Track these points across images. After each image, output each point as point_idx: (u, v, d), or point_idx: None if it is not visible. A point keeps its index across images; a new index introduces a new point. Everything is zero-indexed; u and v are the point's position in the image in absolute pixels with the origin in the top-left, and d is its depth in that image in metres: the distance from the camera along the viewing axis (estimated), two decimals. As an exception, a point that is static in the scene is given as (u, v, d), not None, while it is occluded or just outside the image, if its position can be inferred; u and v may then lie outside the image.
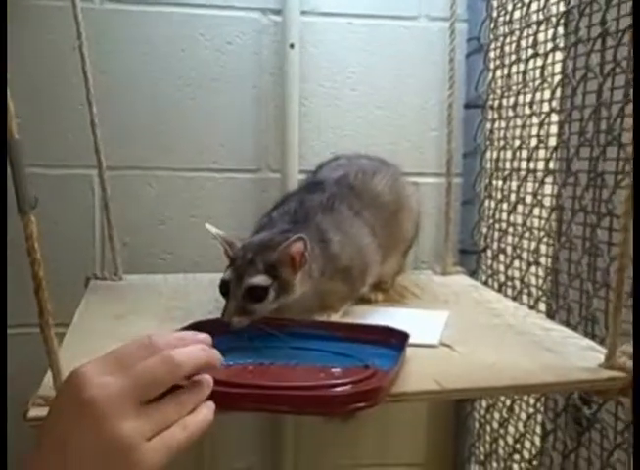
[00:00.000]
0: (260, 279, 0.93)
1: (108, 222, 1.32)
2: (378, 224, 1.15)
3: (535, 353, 0.93)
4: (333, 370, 0.81)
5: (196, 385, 0.66)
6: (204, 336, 0.69)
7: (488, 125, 1.46)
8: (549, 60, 1.19)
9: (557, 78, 1.18)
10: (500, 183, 1.41)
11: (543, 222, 1.23)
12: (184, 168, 1.45)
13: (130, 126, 1.42)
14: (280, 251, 0.94)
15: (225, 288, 0.94)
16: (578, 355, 0.91)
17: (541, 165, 1.23)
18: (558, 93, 1.17)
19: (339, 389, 0.74)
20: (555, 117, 1.19)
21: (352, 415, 0.73)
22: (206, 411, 0.65)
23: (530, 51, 1.25)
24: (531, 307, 1.23)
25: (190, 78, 1.43)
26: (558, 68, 1.18)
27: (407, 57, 1.49)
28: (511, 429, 1.36)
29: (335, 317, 1.07)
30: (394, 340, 0.89)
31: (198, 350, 0.65)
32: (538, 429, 1.26)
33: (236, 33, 1.43)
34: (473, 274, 1.48)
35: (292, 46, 1.40)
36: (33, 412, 0.73)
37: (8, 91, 0.67)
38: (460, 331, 1.02)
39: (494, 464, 1.43)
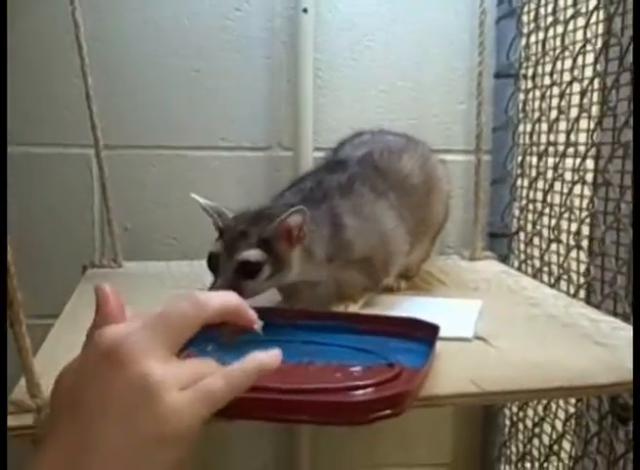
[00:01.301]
0: (254, 254, 0.84)
1: (106, 205, 1.23)
2: (406, 209, 1.04)
3: (586, 349, 0.81)
4: (352, 369, 0.70)
5: None
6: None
7: (521, 96, 1.35)
8: (592, 19, 1.07)
9: (602, 40, 1.05)
10: (535, 159, 1.29)
11: (586, 201, 1.11)
12: (189, 147, 1.36)
13: (130, 101, 1.32)
14: (276, 222, 0.85)
15: (214, 262, 0.86)
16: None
17: (583, 138, 1.11)
18: (603, 57, 1.04)
19: (359, 393, 0.63)
20: (599, 83, 1.07)
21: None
22: (263, 356, 0.58)
23: (571, 11, 1.12)
24: (572, 296, 1.12)
25: (195, 48, 1.33)
26: (602, 28, 1.05)
27: (432, 23, 1.38)
28: (547, 428, 1.24)
29: (353, 308, 0.96)
30: (421, 333, 0.78)
31: (227, 294, 0.62)
32: (580, 430, 1.14)
33: (244, -2, 1.32)
34: (504, 260, 1.38)
35: (305, 11, 1.29)
36: (11, 422, 0.63)
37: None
38: (495, 323, 0.91)
39: (527, 465, 1.33)
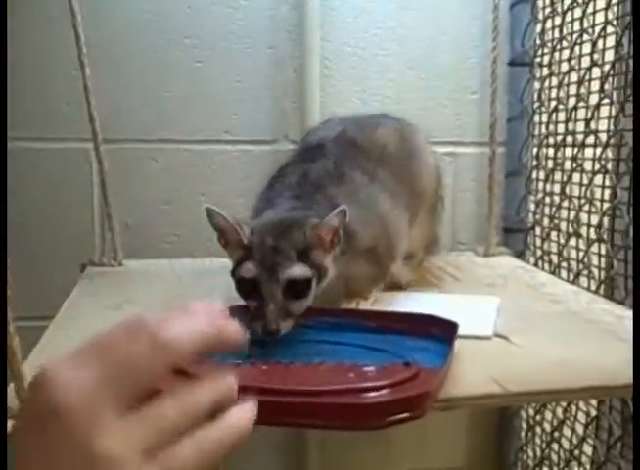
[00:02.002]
0: (300, 270, 0.76)
1: (105, 201, 1.18)
2: (394, 182, 0.98)
3: (612, 346, 0.76)
4: (365, 369, 0.65)
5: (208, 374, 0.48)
6: (217, 308, 0.50)
7: (537, 85, 1.30)
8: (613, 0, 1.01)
9: (624, 21, 1.00)
10: (551, 151, 1.24)
11: (608, 192, 1.05)
12: (192, 140, 1.31)
13: (131, 93, 1.28)
14: (310, 231, 0.77)
15: (251, 286, 0.76)
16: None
17: (604, 126, 1.06)
18: (626, 38, 0.99)
19: (374, 394, 0.58)
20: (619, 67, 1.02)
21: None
22: (238, 417, 0.47)
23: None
24: (594, 292, 1.06)
25: (197, 38, 1.28)
26: (626, 7, 1.00)
27: (442, 9, 1.33)
28: (567, 431, 1.19)
29: (364, 305, 0.91)
30: (438, 331, 0.73)
31: (199, 322, 0.47)
32: (602, 433, 1.09)
33: (248, -15, 1.28)
34: (519, 256, 1.32)
35: (311, -4, 1.25)
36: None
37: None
38: (515, 320, 0.86)
39: (545, 470, 1.27)
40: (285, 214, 0.83)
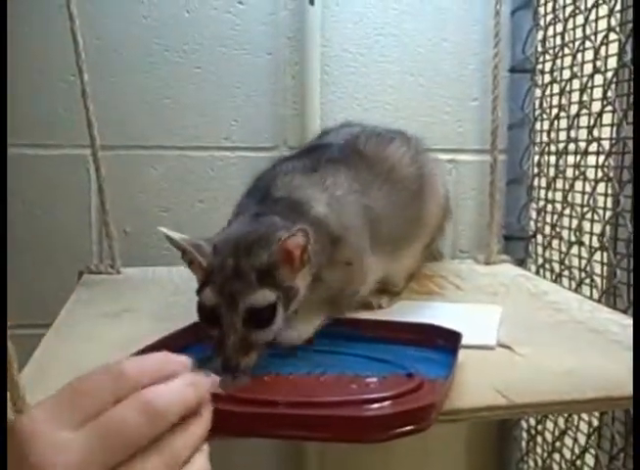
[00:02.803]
0: (263, 295, 0.68)
1: (103, 208, 1.16)
2: (391, 206, 0.91)
3: (619, 356, 0.75)
4: (368, 380, 0.64)
5: (187, 426, 0.47)
6: (185, 359, 0.51)
7: (538, 92, 1.29)
8: (617, 6, 1.01)
9: (627, 28, 1.00)
10: (553, 158, 1.23)
11: (610, 200, 1.04)
12: (191, 147, 1.29)
13: (130, 100, 1.27)
14: (277, 246, 0.69)
15: (210, 315, 0.68)
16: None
17: (607, 133, 1.05)
18: (629, 46, 0.99)
19: (377, 406, 0.56)
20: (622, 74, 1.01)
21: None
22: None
23: (592, -1, 1.07)
24: (597, 301, 1.05)
25: (196, 44, 1.27)
26: (628, 15, 1.00)
27: (443, 15, 1.32)
28: (569, 442, 1.18)
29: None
30: (441, 341, 0.72)
31: (184, 386, 0.48)
32: (605, 443, 1.08)
33: (247, -10, 1.27)
34: (521, 264, 1.31)
35: (311, 3, 1.24)
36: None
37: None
38: (519, 329, 0.84)
39: (546, 481, 1.26)
40: (250, 228, 0.74)
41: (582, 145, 1.13)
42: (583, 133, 1.12)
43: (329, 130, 1.07)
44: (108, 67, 1.24)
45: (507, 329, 0.84)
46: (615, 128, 1.03)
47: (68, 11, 1.08)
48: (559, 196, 1.21)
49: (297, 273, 0.71)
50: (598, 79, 1.07)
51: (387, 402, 0.57)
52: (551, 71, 1.24)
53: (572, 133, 1.16)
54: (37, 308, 1.10)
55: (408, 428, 0.53)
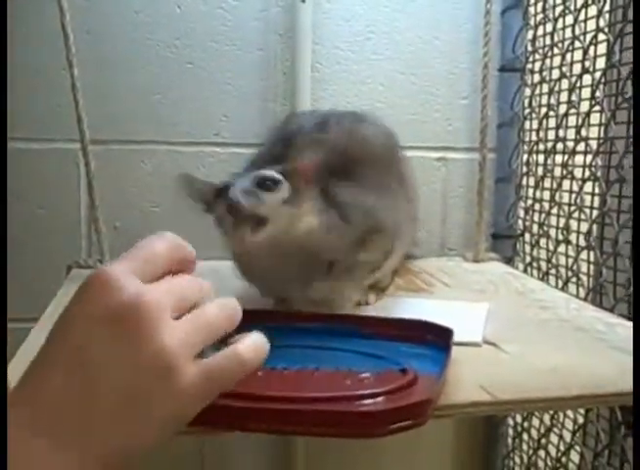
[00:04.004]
0: (273, 172, 0.76)
1: (92, 203, 1.16)
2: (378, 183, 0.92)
3: (603, 354, 0.76)
4: (362, 376, 0.64)
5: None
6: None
7: (528, 91, 1.30)
8: (606, 7, 1.01)
9: (616, 28, 1.00)
10: (541, 157, 1.24)
11: (597, 200, 1.05)
12: (181, 142, 1.29)
13: (120, 94, 1.26)
14: (289, 164, 0.78)
15: (214, 195, 0.77)
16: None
17: (594, 133, 1.06)
18: (617, 46, 0.99)
19: (373, 401, 0.57)
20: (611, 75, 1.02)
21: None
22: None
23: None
24: (583, 299, 1.06)
25: (187, 40, 1.27)
26: (617, 15, 1.00)
27: (435, 14, 1.32)
28: (554, 438, 1.19)
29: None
30: (433, 337, 0.73)
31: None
32: (590, 440, 1.09)
33: (239, -14, 1.27)
34: (509, 262, 1.32)
35: (303, 0, 1.23)
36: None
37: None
38: (505, 327, 0.85)
39: (532, 478, 1.27)
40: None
41: (570, 144, 1.13)
42: (571, 133, 1.13)
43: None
44: (98, 61, 1.23)
45: (493, 326, 0.84)
46: (602, 128, 1.04)
47: (58, 4, 1.07)
48: (547, 195, 1.22)
49: (307, 187, 0.78)
50: (586, 79, 1.08)
51: (381, 398, 0.58)
52: (540, 71, 1.24)
53: (561, 132, 1.16)
54: (25, 302, 1.09)
55: (405, 423, 0.53)
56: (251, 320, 0.79)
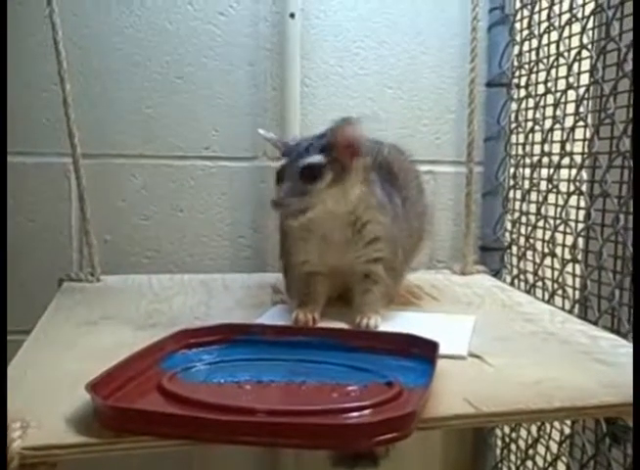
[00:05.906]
0: (316, 158, 0.87)
1: (83, 216, 1.17)
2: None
3: (586, 367, 0.77)
4: (349, 389, 0.65)
5: None
6: None
7: (514, 106, 1.31)
8: (589, 24, 1.03)
9: (599, 46, 1.02)
10: (528, 171, 1.25)
11: (582, 213, 1.07)
12: (171, 156, 1.30)
13: (111, 109, 1.27)
14: (335, 131, 0.89)
15: (280, 174, 0.89)
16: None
17: (579, 148, 1.08)
18: (600, 63, 1.01)
19: (358, 414, 0.58)
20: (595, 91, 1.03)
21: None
22: None
23: (566, 17, 1.09)
24: (568, 312, 1.07)
25: (178, 54, 1.28)
26: (599, 33, 1.02)
27: (422, 30, 1.34)
28: (541, 450, 1.19)
29: (375, 320, 0.90)
30: (418, 350, 0.74)
31: None
32: (576, 451, 1.10)
33: (229, 2, 1.28)
34: (496, 274, 1.33)
35: (292, 16, 1.26)
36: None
37: None
38: (491, 340, 0.86)
39: (520, 488, 1.28)
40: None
41: (555, 159, 1.15)
42: (556, 147, 1.14)
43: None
44: (90, 76, 1.24)
45: (479, 339, 0.85)
46: (586, 143, 1.06)
47: (50, 21, 1.09)
48: (533, 208, 1.23)
49: (355, 159, 0.89)
50: (571, 95, 1.10)
51: (367, 411, 0.58)
52: (526, 86, 1.26)
53: (546, 147, 1.18)
54: (17, 315, 1.10)
55: (389, 436, 0.54)
56: (239, 334, 0.80)
